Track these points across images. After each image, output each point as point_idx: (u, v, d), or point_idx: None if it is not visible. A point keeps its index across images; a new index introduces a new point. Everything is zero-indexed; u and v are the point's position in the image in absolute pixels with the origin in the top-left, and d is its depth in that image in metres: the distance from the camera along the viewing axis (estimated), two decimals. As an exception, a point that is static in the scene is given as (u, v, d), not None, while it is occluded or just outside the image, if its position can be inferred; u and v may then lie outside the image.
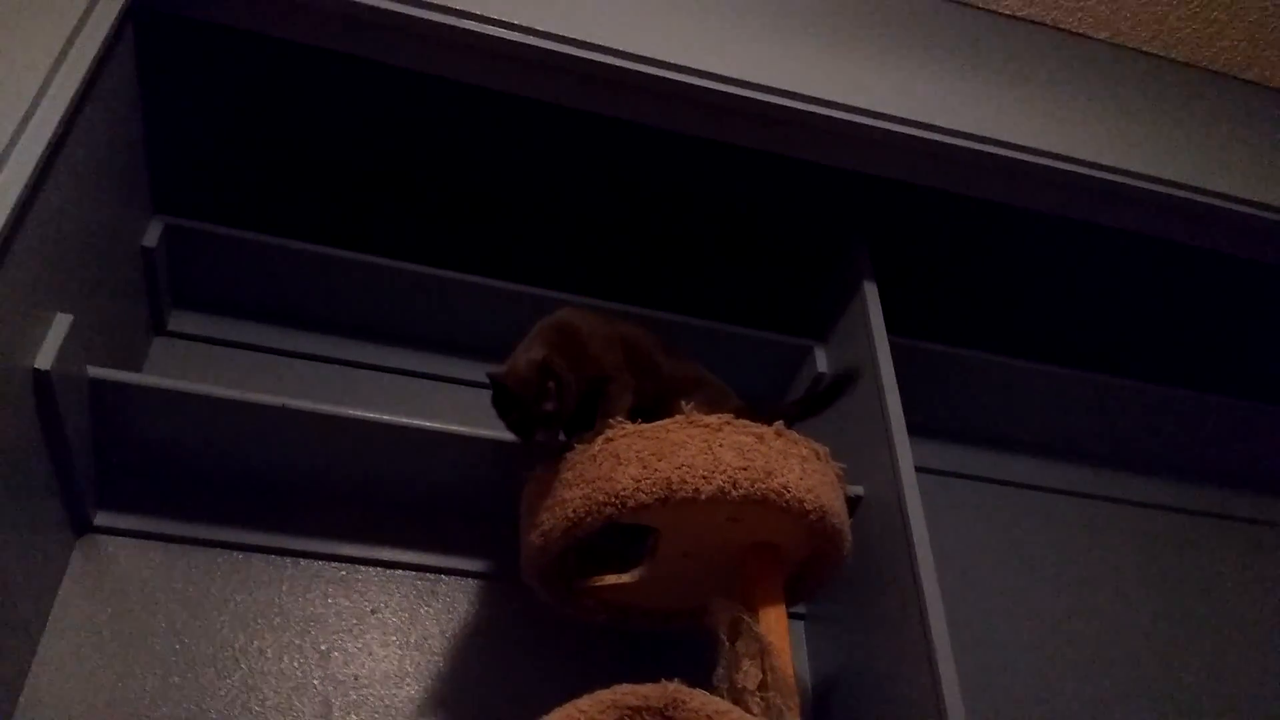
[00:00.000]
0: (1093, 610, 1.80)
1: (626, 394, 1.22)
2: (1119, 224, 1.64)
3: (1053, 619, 1.76)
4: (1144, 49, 1.78)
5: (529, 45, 1.33)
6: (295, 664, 1.31)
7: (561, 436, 1.20)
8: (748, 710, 1.08)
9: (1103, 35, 1.76)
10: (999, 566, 1.79)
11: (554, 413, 1.16)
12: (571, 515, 1.12)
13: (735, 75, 1.40)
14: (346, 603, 1.38)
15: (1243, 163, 1.65)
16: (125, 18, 1.24)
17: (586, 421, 1.22)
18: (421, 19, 1.30)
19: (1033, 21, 1.73)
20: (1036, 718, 1.63)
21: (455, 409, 1.61)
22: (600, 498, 1.10)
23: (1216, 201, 1.58)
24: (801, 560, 1.28)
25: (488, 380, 1.18)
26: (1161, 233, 1.65)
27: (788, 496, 1.12)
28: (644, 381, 1.25)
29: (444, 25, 1.31)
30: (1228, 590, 1.93)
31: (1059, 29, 1.74)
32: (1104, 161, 1.54)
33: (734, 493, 1.10)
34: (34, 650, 1.21)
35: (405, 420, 1.33)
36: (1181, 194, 1.57)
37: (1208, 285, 1.94)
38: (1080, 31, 1.75)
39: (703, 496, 1.09)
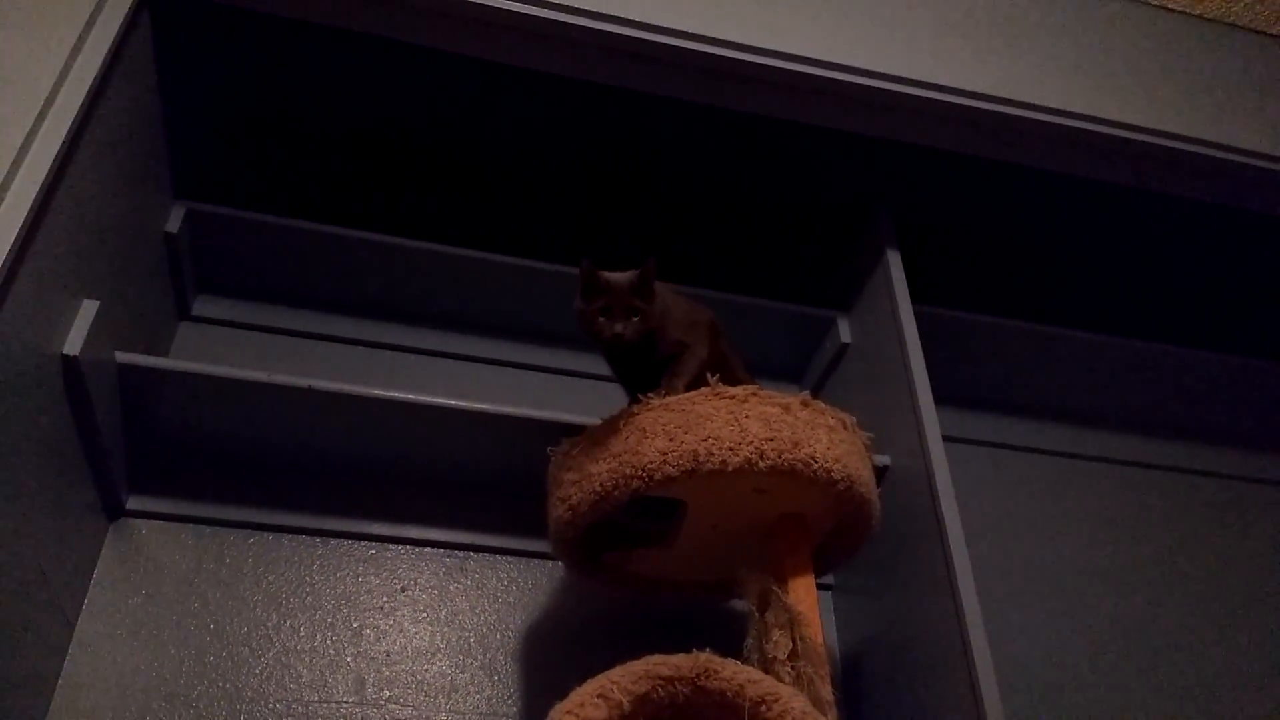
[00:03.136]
0: (1123, 576, 1.79)
1: (695, 362, 1.22)
2: (1146, 185, 1.61)
3: (1082, 586, 1.75)
4: (1169, 6, 1.75)
5: (549, 20, 1.32)
6: (328, 642, 1.33)
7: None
8: (778, 680, 1.08)
9: (1126, -7, 1.72)
10: (1028, 534, 1.78)
11: (641, 310, 1.18)
12: (599, 489, 1.12)
13: (753, 43, 1.39)
14: (377, 581, 1.40)
15: (1275, 120, 1.62)
16: (141, 3, 1.24)
17: (654, 383, 1.21)
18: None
19: (1054, -19, 1.70)
20: (1068, 684, 1.63)
21: (480, 387, 1.63)
22: (627, 471, 1.10)
23: (1249, 160, 1.55)
24: (829, 530, 1.27)
25: (583, 263, 1.20)
26: (1191, 193, 1.63)
27: (815, 466, 1.11)
28: (715, 365, 1.23)
29: (464, 1, 1.30)
30: (1258, 554, 1.91)
31: (1081, -12, 1.71)
32: (1130, 121, 1.52)
33: (761, 464, 1.09)
34: (70, 633, 1.23)
35: (430, 399, 1.33)
36: (1211, 153, 1.54)
37: (1237, 246, 1.91)
38: (1103, -10, 1.72)
39: (730, 468, 1.09)
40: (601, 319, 1.18)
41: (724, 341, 1.31)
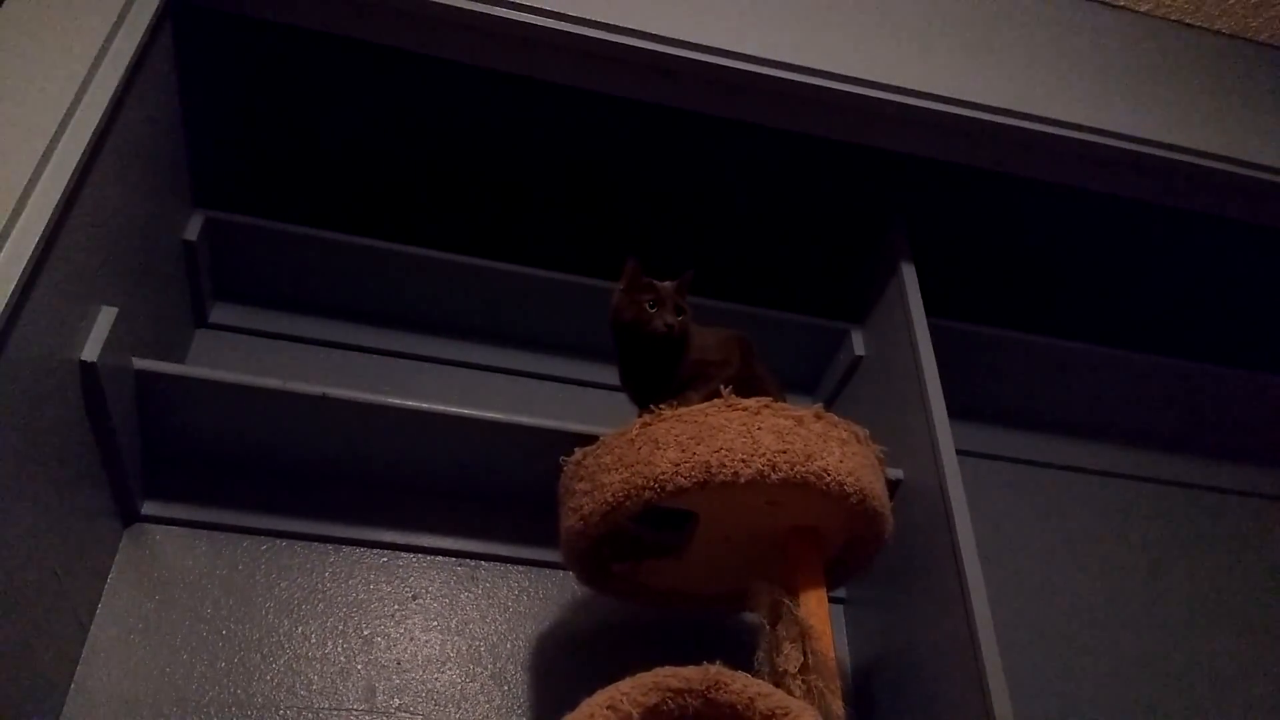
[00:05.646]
0: (1136, 592, 1.77)
1: (719, 380, 1.22)
2: (1161, 200, 1.61)
3: (1096, 601, 1.74)
4: (1187, 21, 1.75)
5: (567, 33, 1.33)
6: (339, 649, 1.33)
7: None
8: (789, 693, 1.07)
9: (1144, 8, 1.72)
10: (1041, 549, 1.77)
11: (685, 310, 1.26)
12: (610, 499, 1.12)
13: (767, 56, 1.39)
14: (388, 588, 1.40)
15: (1291, 135, 1.61)
16: (163, 13, 1.25)
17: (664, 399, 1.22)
18: (458, 8, 1.30)
19: (1071, -5, 1.70)
20: (1082, 699, 1.61)
21: (494, 396, 1.63)
22: (639, 481, 1.10)
23: (1263, 175, 1.54)
24: (841, 543, 1.27)
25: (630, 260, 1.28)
26: (1205, 208, 1.62)
27: (828, 479, 1.11)
28: (742, 385, 1.24)
29: (482, 14, 1.31)
30: (1272, 569, 1.90)
31: (1099, 1, 1.71)
32: (1145, 135, 1.51)
33: (773, 476, 1.09)
34: (84, 637, 1.24)
35: (444, 408, 1.33)
36: (1223, 167, 1.54)
37: (1255, 262, 1.90)
38: (1121, 4, 1.72)
39: (742, 480, 1.08)
40: (651, 309, 1.24)
41: (758, 364, 1.32)
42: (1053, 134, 1.48)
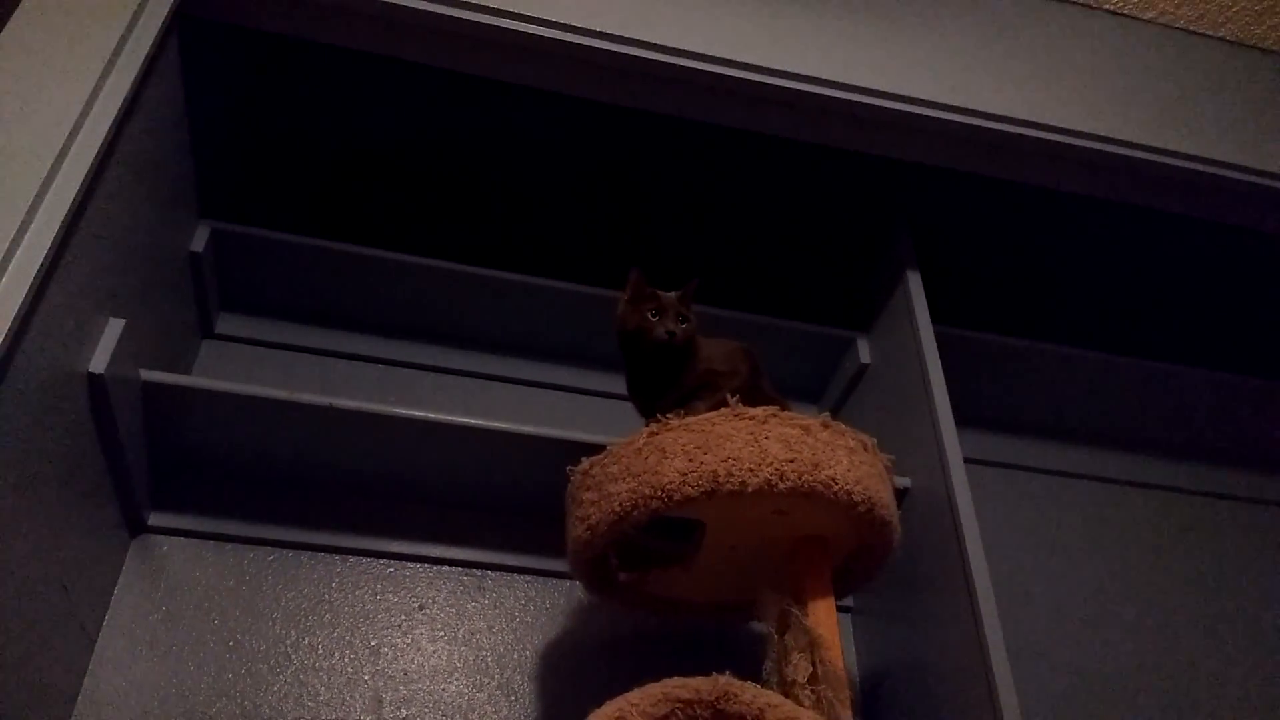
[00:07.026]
0: (1146, 599, 1.77)
1: (725, 390, 1.22)
2: (1167, 208, 1.60)
3: (1104, 608, 1.73)
4: (1191, 28, 1.75)
5: (568, 42, 1.33)
6: (346, 660, 1.33)
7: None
8: (798, 703, 1.07)
9: (1149, 15, 1.72)
10: (1049, 557, 1.76)
11: (688, 319, 1.26)
12: (618, 509, 1.11)
13: (772, 65, 1.39)
14: (395, 599, 1.40)
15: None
16: (170, 26, 1.26)
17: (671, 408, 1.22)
18: (462, 19, 1.30)
19: (1076, 3, 1.70)
20: (1091, 707, 1.61)
21: (500, 406, 1.63)
22: (646, 491, 1.10)
23: (1269, 182, 1.54)
24: (849, 552, 1.27)
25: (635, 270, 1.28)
26: (1212, 216, 1.62)
27: (836, 488, 1.11)
28: (748, 396, 1.24)
29: (488, 26, 1.31)
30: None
31: (1103, 10, 1.71)
32: (1151, 143, 1.51)
33: (781, 485, 1.08)
34: (91, 649, 1.24)
35: (450, 418, 1.33)
36: (1232, 175, 1.53)
37: (1262, 269, 1.90)
38: (1125, 12, 1.72)
39: (749, 489, 1.08)
40: (653, 317, 1.24)
41: (765, 377, 1.32)
42: (1058, 141, 1.48)
